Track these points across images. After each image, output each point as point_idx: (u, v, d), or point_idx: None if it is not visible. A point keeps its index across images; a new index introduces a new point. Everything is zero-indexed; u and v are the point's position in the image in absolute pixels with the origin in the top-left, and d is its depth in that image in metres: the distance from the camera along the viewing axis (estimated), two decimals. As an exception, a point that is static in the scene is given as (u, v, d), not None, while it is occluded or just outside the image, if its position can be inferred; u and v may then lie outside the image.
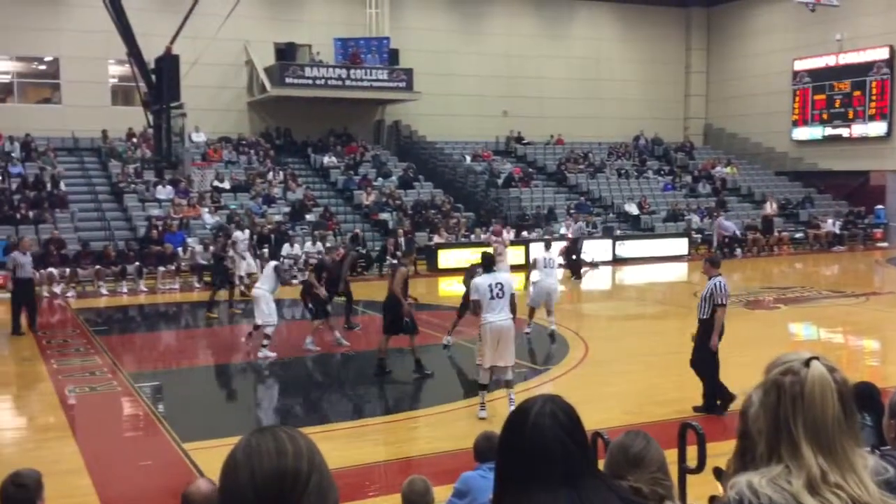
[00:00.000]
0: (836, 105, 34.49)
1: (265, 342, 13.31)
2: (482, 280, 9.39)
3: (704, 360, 9.44)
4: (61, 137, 27.96)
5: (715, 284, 9.41)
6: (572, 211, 30.16)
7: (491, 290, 9.24)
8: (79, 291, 20.95)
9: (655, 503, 2.53)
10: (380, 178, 29.85)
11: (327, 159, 30.53)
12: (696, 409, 9.23)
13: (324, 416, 10.38)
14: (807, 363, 1.80)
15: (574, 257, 23.84)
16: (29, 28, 27.72)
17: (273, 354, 13.24)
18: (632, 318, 17.74)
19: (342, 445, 8.52)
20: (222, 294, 17.95)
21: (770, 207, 30.86)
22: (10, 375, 13.00)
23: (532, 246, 24.58)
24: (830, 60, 34.45)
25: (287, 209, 26.61)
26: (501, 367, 9.39)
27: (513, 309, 9.42)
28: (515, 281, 9.74)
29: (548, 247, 15.85)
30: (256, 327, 13.92)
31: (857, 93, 33.73)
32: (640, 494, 2.48)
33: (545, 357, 13.12)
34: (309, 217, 26.38)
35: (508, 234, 18.21)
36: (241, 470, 1.60)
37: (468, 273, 14.32)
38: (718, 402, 9.34)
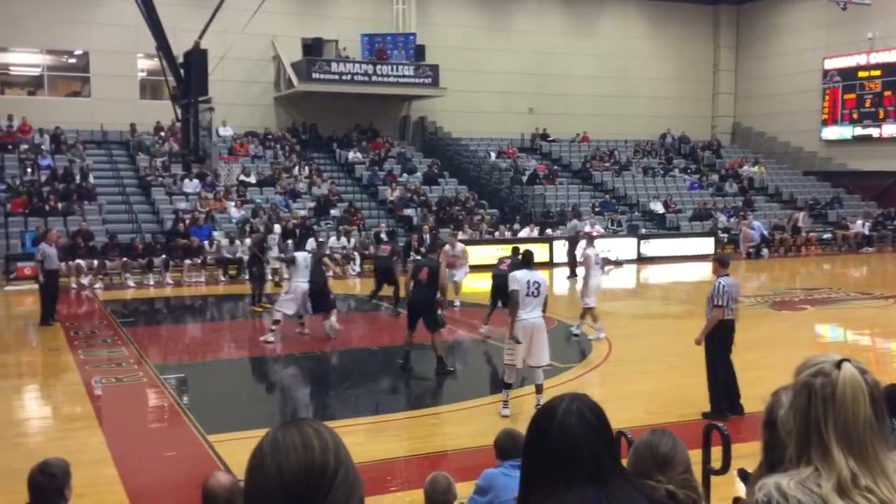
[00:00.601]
0: (867, 104, 34.08)
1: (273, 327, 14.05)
2: (521, 274, 9.33)
3: (708, 360, 9.39)
4: (90, 130, 28.25)
5: (715, 285, 9.35)
6: (597, 209, 30.06)
7: (528, 287, 9.17)
8: (106, 283, 21.17)
9: None
10: (404, 174, 29.88)
11: (352, 155, 30.60)
12: (704, 415, 9.07)
13: (346, 411, 10.41)
14: (838, 365, 1.79)
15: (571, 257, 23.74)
16: (59, 21, 28.02)
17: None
18: (656, 317, 17.64)
19: (364, 440, 8.55)
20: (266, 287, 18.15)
21: (801, 220, 30.46)
22: (38, 365, 13.17)
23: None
24: (861, 59, 34.05)
25: (312, 204, 26.72)
26: (533, 366, 9.28)
27: (543, 309, 9.43)
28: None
29: (592, 243, 15.53)
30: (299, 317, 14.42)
31: (888, 92, 33.31)
32: (674, 499, 2.46)
33: (568, 355, 13.05)
34: (334, 212, 26.47)
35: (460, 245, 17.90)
36: (268, 465, 1.60)
37: (495, 267, 14.48)
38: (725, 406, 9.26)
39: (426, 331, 11.71)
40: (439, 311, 11.80)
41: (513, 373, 9.30)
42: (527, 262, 9.62)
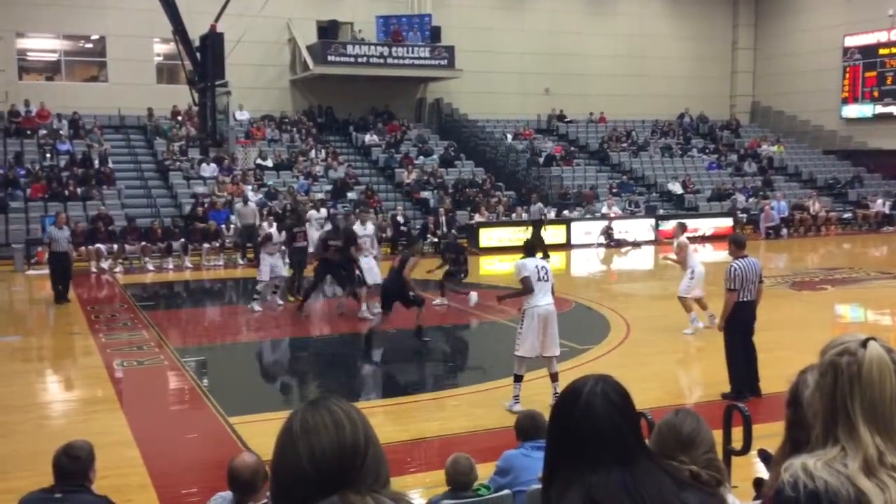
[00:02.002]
0: (888, 82, 33.66)
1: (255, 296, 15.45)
2: (530, 262, 9.15)
3: (727, 341, 9.36)
4: (108, 115, 28.36)
5: (727, 269, 9.27)
6: (615, 190, 29.92)
7: (538, 272, 8.99)
8: (126, 267, 21.33)
9: (713, 488, 2.49)
10: (421, 157, 29.84)
11: (369, 137, 30.58)
12: (724, 395, 9.00)
13: (367, 392, 10.47)
14: (864, 344, 1.78)
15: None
16: (76, 7, 28.08)
17: (259, 309, 15.08)
18: (674, 297, 17.51)
19: (384, 422, 8.59)
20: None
21: (813, 206, 30.08)
22: (60, 349, 13.30)
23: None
24: (882, 37, 33.59)
25: (329, 187, 26.75)
26: (548, 357, 9.06)
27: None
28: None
29: (684, 229, 14.33)
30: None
31: (909, 70, 32.90)
32: (699, 480, 2.45)
33: (586, 337, 13.02)
34: (351, 195, 26.49)
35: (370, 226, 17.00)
36: (300, 445, 1.62)
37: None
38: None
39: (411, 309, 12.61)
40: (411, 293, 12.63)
41: (523, 364, 9.01)
42: (528, 251, 9.44)
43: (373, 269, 14.84)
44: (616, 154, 32.98)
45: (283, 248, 16.51)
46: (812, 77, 35.80)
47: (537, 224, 23.91)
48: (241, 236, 22.48)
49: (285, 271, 16.18)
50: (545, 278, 9.03)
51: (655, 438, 2.75)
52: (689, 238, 14.30)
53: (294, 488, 1.63)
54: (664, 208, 29.65)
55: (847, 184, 32.72)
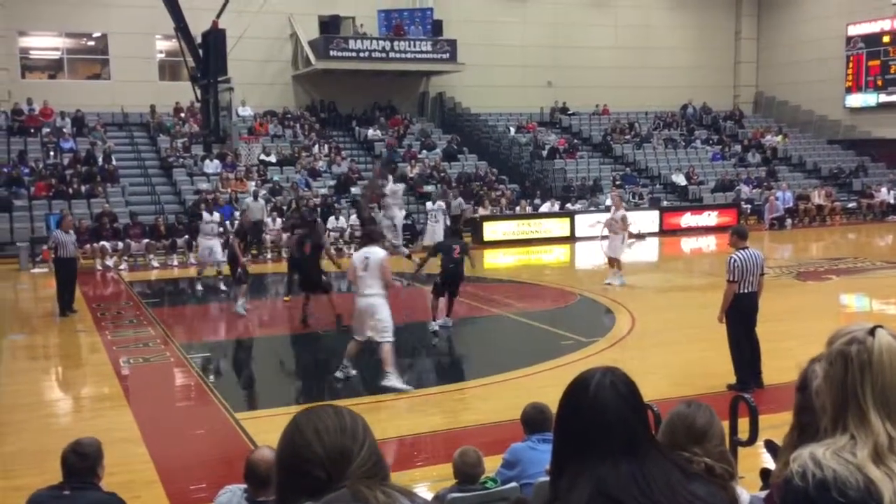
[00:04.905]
0: (892, 71, 33.54)
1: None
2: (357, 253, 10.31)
3: (730, 333, 9.37)
4: (111, 112, 28.40)
5: (727, 260, 9.30)
6: (619, 182, 29.87)
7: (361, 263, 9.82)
8: (130, 264, 21.35)
9: (725, 481, 2.49)
10: (424, 151, 29.82)
11: (371, 132, 30.55)
12: (730, 386, 9.04)
13: (375, 388, 10.46)
14: (871, 332, 1.78)
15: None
16: (78, 4, 28.09)
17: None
18: (679, 289, 17.52)
19: (392, 416, 8.60)
20: None
21: (817, 197, 29.93)
22: (66, 346, 13.31)
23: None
24: (886, 25, 33.47)
25: (332, 182, 26.74)
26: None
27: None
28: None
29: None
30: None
31: (913, 58, 32.78)
32: (713, 473, 2.45)
33: (592, 330, 13.02)
34: (354, 190, 26.47)
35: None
36: (307, 429, 1.73)
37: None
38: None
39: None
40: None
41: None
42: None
43: None
44: (619, 146, 32.92)
45: (221, 231, 17.64)
46: (815, 66, 35.68)
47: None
48: (248, 232, 22.41)
49: (221, 255, 16.73)
50: (364, 268, 9.68)
51: (666, 430, 2.74)
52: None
53: (304, 473, 1.68)
54: (668, 200, 29.61)
55: (851, 173, 32.63)
